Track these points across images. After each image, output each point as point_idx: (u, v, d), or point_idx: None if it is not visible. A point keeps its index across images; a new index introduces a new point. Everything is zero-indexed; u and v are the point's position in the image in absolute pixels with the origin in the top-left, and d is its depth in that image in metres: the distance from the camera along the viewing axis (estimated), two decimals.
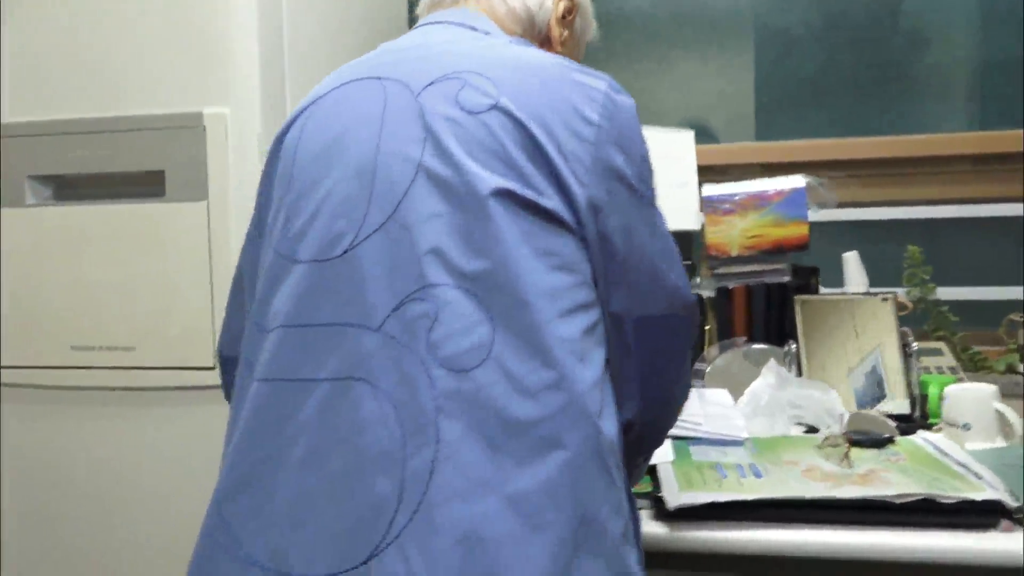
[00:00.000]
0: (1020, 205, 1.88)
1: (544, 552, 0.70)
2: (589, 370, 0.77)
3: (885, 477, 1.05)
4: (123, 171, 1.26)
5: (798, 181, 1.47)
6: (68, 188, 1.30)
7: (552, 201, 0.78)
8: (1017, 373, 1.57)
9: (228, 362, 1.01)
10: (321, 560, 0.73)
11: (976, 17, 1.90)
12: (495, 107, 0.80)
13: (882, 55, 1.92)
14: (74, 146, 1.26)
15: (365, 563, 0.71)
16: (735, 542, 0.98)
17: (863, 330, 1.42)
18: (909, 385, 1.37)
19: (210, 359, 1.24)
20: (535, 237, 0.77)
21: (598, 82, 0.84)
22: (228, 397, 1.04)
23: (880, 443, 1.18)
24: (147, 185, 1.25)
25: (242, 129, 1.23)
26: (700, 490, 1.02)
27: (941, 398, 1.31)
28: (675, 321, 0.88)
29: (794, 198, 1.47)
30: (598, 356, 0.79)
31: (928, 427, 1.31)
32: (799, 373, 1.41)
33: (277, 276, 0.83)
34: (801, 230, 1.47)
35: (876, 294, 1.44)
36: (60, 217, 1.28)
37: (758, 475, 1.08)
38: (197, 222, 1.23)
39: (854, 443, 1.15)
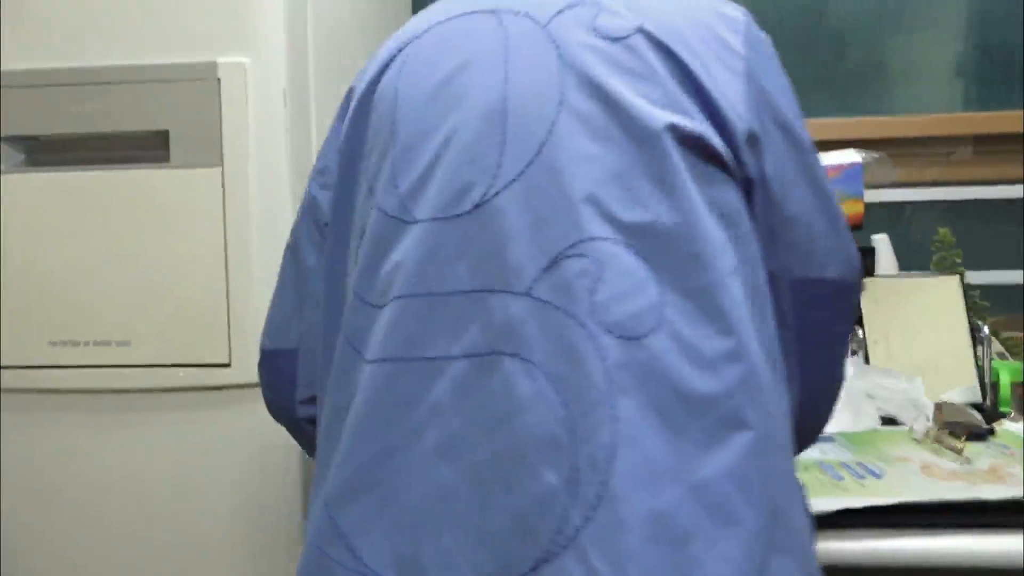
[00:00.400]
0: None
1: (737, 549, 0.59)
2: (763, 337, 0.66)
3: (1014, 473, 0.96)
4: (117, 131, 1.05)
5: (853, 156, 1.37)
6: (46, 152, 1.08)
7: (712, 137, 0.67)
8: None
9: (271, 356, 0.85)
10: (468, 571, 0.61)
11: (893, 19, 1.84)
12: (640, 31, 0.69)
13: (809, 54, 1.84)
14: (56, 101, 1.04)
15: (530, 572, 0.59)
16: (874, 552, 0.86)
17: (927, 315, 1.33)
18: (980, 372, 1.29)
19: (225, 355, 1.05)
20: (704, 182, 0.67)
21: (736, 12, 0.75)
22: (269, 401, 0.87)
23: (983, 436, 1.09)
24: (147, 148, 1.05)
25: (264, 82, 1.04)
26: (821, 494, 0.91)
27: (1016, 385, 1.24)
28: (837, 288, 0.76)
29: (851, 174, 1.36)
30: (770, 321, 0.69)
31: (1001, 416, 1.23)
32: (866, 361, 1.31)
33: (386, 240, 0.69)
34: (856, 208, 1.37)
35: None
36: (37, 186, 1.06)
37: (876, 475, 0.97)
38: (209, 192, 1.04)
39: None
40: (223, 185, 1.04)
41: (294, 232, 0.83)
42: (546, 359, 0.62)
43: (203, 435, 1.06)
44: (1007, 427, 1.15)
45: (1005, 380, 1.28)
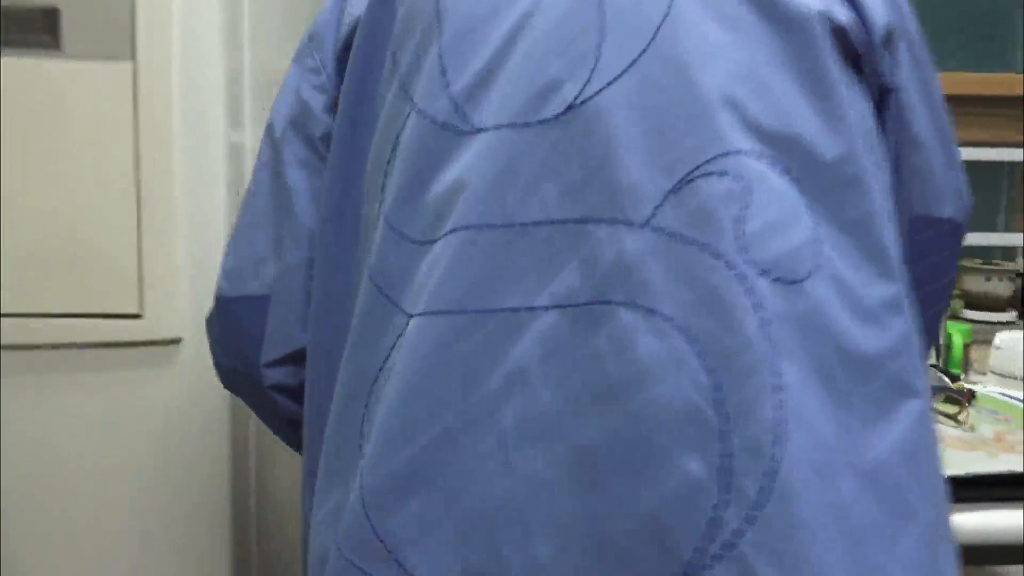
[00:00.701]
0: None
1: (916, 548, 0.49)
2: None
3: (1019, 441, 0.92)
4: None
5: None
6: None
7: (855, 32, 0.55)
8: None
9: (230, 305, 0.67)
10: None
11: None
12: None
13: None
14: None
15: None
16: None
17: None
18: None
19: (134, 303, 0.83)
20: (852, 86, 0.55)
21: None
22: (222, 363, 0.69)
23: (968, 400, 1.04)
24: (28, 32, 0.80)
25: None
26: None
27: (967, 347, 1.23)
28: (951, 228, 0.66)
29: None
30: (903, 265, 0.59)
31: (955, 378, 1.21)
32: None
33: (433, 155, 0.54)
34: None
35: None
36: None
37: None
38: (116, 93, 0.80)
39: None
40: (135, 84, 0.80)
41: (271, 148, 0.64)
42: (679, 309, 0.48)
43: (108, 402, 0.84)
44: (983, 391, 1.12)
45: (958, 342, 1.26)
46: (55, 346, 0.82)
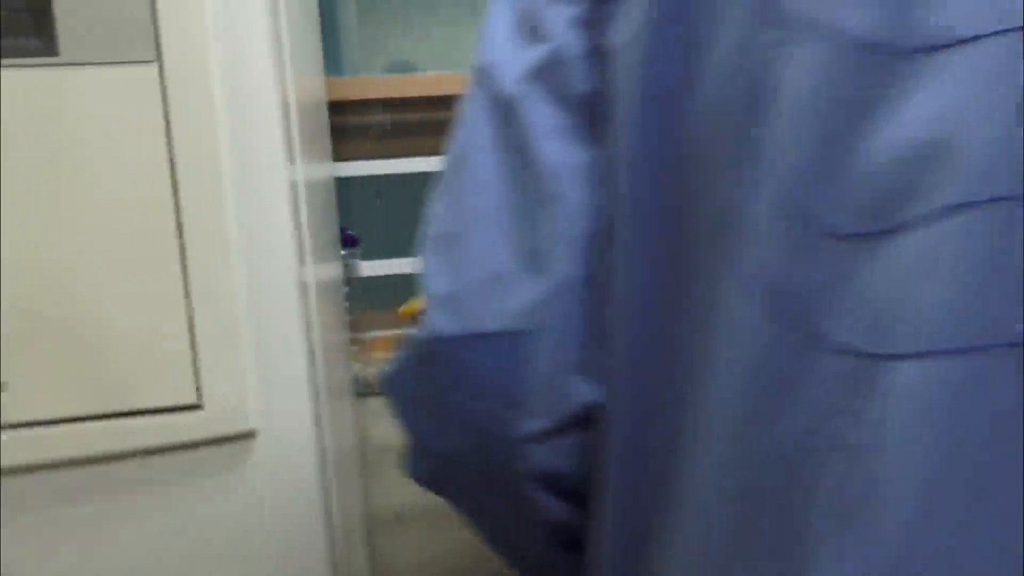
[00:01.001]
0: None
1: None
2: None
3: None
4: None
5: None
6: None
7: None
8: None
9: (457, 349, 0.44)
10: None
11: None
12: None
13: None
14: None
15: None
16: None
17: None
18: None
19: (188, 390, 0.61)
20: None
21: None
22: (444, 452, 0.47)
23: None
24: (16, 34, 0.59)
25: None
26: None
27: None
28: None
29: None
30: None
31: None
32: None
33: (859, 99, 0.33)
34: None
35: None
36: None
37: None
38: (138, 103, 0.59)
39: None
40: (164, 95, 0.59)
41: (493, 114, 0.44)
42: None
43: (165, 522, 0.62)
44: None
45: None
46: (84, 461, 0.60)
